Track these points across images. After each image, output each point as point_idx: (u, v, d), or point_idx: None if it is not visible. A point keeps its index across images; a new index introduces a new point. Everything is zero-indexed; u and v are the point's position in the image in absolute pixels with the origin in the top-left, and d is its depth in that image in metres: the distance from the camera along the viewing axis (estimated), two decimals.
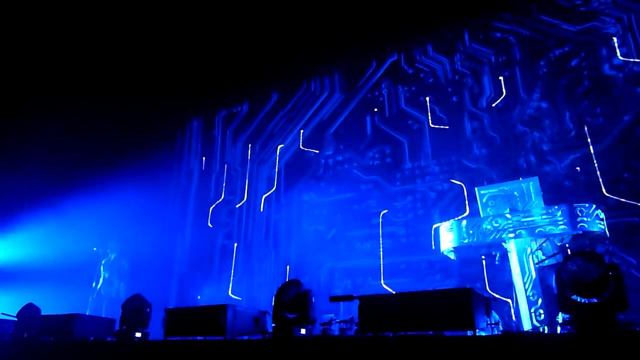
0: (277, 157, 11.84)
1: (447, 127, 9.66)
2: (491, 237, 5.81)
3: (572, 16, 8.94)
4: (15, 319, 6.52)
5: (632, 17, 8.39)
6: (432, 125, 9.88)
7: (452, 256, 6.57)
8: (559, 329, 3.92)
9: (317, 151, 11.22)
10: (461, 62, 10.00)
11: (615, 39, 8.45)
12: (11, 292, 11.01)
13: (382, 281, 9.12)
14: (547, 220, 5.56)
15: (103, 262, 9.84)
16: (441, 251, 6.49)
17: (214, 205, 12.30)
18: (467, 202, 8.70)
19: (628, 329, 3.52)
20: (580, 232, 5.49)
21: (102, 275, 9.75)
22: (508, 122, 9.03)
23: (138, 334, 5.56)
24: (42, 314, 6.48)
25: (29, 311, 6.50)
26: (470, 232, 5.95)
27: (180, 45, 11.10)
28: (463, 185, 9.00)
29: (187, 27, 10.69)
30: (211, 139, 13.29)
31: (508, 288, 6.01)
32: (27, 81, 11.57)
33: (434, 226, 7.61)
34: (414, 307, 3.93)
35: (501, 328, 4.13)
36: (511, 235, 5.71)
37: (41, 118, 11.92)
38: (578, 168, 8.06)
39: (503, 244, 5.95)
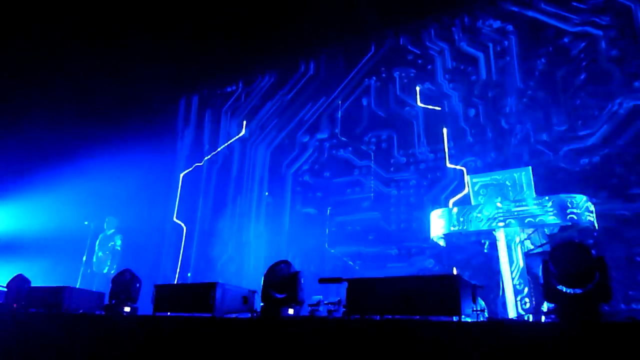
0: (273, 138, 11.82)
1: (441, 113, 9.67)
2: (481, 225, 5.85)
3: (573, 7, 8.90)
4: (5, 290, 6.54)
5: (632, 10, 8.36)
6: (428, 112, 9.89)
7: (442, 243, 6.61)
8: (543, 317, 3.97)
9: (313, 133, 11.21)
10: (459, 49, 9.97)
11: (614, 32, 8.43)
12: (1, 262, 11.02)
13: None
14: (538, 210, 5.59)
15: (100, 236, 9.81)
16: (431, 238, 6.53)
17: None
18: (459, 190, 8.75)
19: (611, 319, 3.57)
20: (570, 223, 5.53)
21: (95, 250, 9.74)
22: (502, 110, 9.04)
23: (127, 309, 5.59)
24: (32, 285, 6.50)
25: (18, 282, 6.52)
26: (461, 219, 5.98)
27: (175, 20, 10.98)
28: (455, 172, 9.04)
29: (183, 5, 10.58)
30: (204, 117, 13.23)
31: (495, 276, 6.07)
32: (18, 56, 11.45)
33: (426, 212, 7.64)
34: (402, 291, 3.97)
35: (486, 315, 4.18)
36: (501, 224, 5.74)
37: (33, 90, 11.83)
38: (570, 160, 8.11)
39: (493, 232, 5.98)
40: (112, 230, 9.86)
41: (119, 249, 9.52)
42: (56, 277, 9.82)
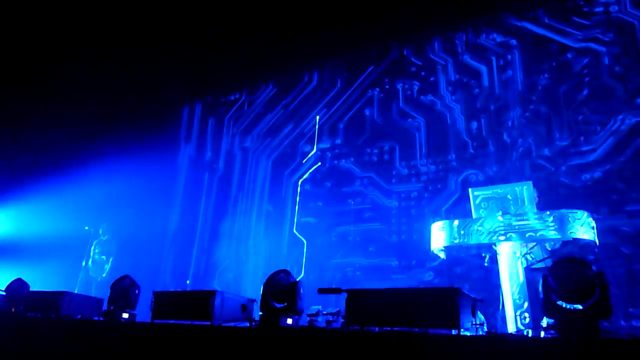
0: (275, 147, 11.84)
1: (444, 125, 9.69)
2: (482, 239, 5.82)
3: (576, 23, 8.94)
4: (3, 293, 6.54)
5: (636, 27, 8.39)
6: (430, 124, 9.90)
7: (442, 255, 6.59)
8: (542, 333, 3.95)
9: (315, 143, 11.23)
10: (462, 62, 10.00)
11: (618, 49, 8.46)
12: (0, 266, 11.02)
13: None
14: (539, 225, 5.57)
15: (95, 242, 9.81)
16: (431, 250, 6.51)
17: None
18: (460, 203, 8.74)
19: (611, 336, 3.56)
20: (571, 239, 5.51)
21: (92, 255, 9.74)
22: (505, 124, 9.06)
23: (125, 315, 5.58)
24: (31, 289, 6.49)
25: (17, 286, 6.52)
26: (462, 232, 5.96)
27: (180, 29, 11.04)
28: (457, 185, 9.04)
29: (189, 14, 10.64)
30: (207, 125, 13.26)
31: (495, 290, 6.04)
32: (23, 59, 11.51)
33: (427, 224, 7.62)
34: (401, 303, 3.96)
35: (485, 329, 4.16)
36: (502, 237, 5.72)
37: (33, 94, 11.88)
38: (572, 175, 8.11)
39: (493, 246, 5.97)
40: (107, 236, 9.85)
41: (113, 255, 9.50)
42: (55, 281, 9.81)
